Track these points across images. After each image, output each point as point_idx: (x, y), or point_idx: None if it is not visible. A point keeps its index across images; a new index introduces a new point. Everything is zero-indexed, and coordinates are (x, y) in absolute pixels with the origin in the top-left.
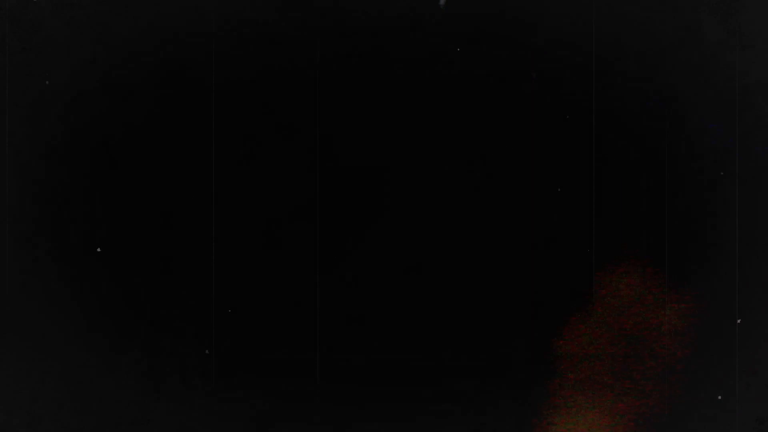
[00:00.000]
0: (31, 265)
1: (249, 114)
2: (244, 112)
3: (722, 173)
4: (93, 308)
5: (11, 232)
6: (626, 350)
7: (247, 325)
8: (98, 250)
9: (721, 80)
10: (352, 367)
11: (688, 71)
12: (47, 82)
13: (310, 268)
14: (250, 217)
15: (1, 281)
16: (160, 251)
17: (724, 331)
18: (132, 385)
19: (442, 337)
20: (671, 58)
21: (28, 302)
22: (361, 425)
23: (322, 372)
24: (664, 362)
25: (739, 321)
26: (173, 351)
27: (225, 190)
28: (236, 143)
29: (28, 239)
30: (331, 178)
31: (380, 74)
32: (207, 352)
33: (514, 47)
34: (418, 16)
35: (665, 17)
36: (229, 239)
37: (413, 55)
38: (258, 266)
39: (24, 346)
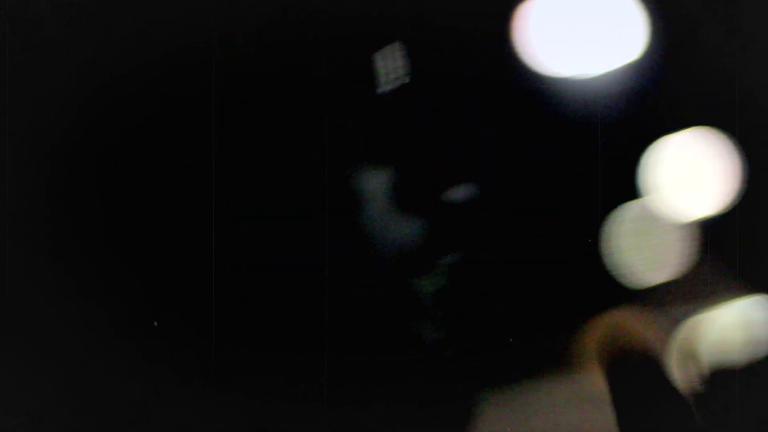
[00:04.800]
0: (31, 265)
1: (252, 113)
2: (248, 110)
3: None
4: (93, 308)
5: (11, 232)
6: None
7: (249, 324)
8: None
9: (721, 80)
10: (361, 368)
11: (688, 71)
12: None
13: (317, 264)
14: (253, 215)
15: (1, 281)
16: (161, 251)
17: None
18: (132, 385)
19: (451, 337)
20: (671, 58)
21: (28, 302)
22: (368, 428)
23: (330, 374)
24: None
25: None
26: (173, 351)
27: (227, 190)
28: (239, 143)
29: (28, 239)
30: (339, 177)
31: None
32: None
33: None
34: (421, 17)
35: (665, 17)
36: (231, 238)
37: (417, 54)
38: (260, 264)
39: (24, 346)
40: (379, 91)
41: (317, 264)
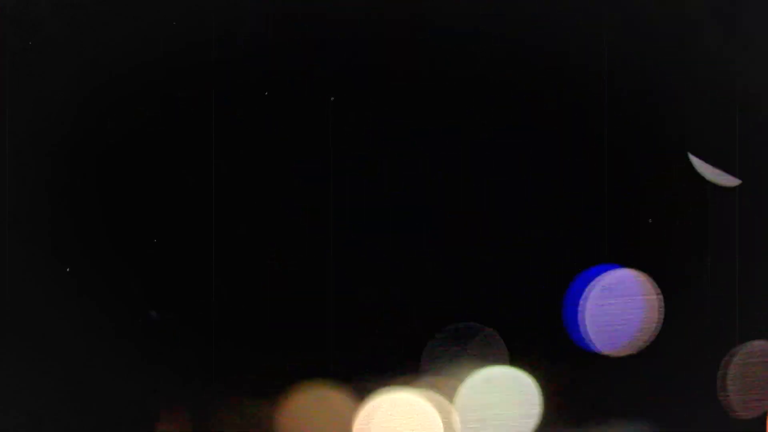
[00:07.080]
0: (32, 265)
1: (252, 114)
2: (248, 111)
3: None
4: (93, 308)
5: (11, 232)
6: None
7: (249, 324)
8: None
9: (721, 80)
10: (366, 367)
11: (688, 71)
12: None
13: (319, 262)
14: (255, 213)
15: (1, 281)
16: (161, 251)
17: (724, 331)
18: (132, 385)
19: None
20: (671, 58)
21: (28, 302)
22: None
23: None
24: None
25: None
26: (173, 351)
27: (227, 190)
28: (240, 143)
29: (29, 239)
30: (342, 177)
31: (384, 77)
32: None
33: (517, 47)
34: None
35: (665, 17)
36: (231, 238)
37: (416, 57)
38: (260, 264)
39: (24, 346)
40: None
41: (319, 263)
